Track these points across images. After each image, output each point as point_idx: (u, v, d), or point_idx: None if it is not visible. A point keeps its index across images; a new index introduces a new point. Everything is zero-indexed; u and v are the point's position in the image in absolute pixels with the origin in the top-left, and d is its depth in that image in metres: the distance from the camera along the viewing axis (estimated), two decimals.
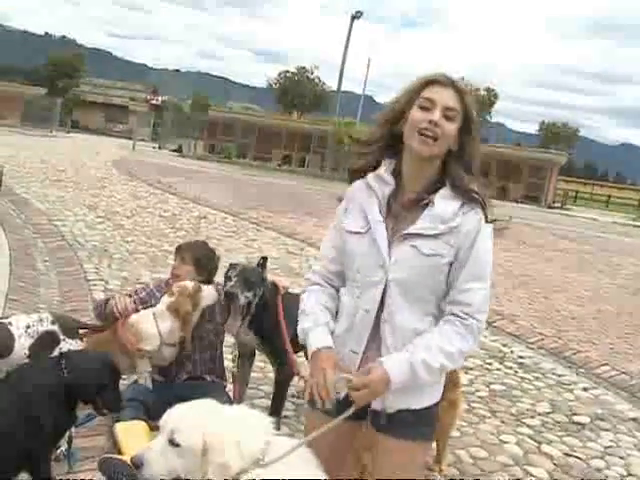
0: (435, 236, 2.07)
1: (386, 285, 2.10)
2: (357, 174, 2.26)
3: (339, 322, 2.22)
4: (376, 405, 2.14)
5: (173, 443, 2.00)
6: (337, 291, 2.29)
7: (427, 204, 2.10)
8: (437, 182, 2.14)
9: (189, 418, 2.04)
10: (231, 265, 3.74)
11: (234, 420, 2.09)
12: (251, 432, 2.04)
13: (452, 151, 2.13)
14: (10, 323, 3.11)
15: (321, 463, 2.05)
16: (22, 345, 3.06)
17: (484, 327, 2.12)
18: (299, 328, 2.25)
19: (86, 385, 2.72)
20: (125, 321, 3.54)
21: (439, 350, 2.04)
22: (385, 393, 2.05)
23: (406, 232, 2.09)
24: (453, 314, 2.09)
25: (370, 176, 2.21)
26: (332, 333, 2.19)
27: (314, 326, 2.19)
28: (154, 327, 3.52)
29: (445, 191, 2.11)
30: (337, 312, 2.26)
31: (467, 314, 2.07)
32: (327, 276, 2.30)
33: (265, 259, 3.79)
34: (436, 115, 2.06)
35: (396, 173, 2.18)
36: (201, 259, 3.77)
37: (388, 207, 2.17)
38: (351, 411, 2.03)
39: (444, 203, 2.09)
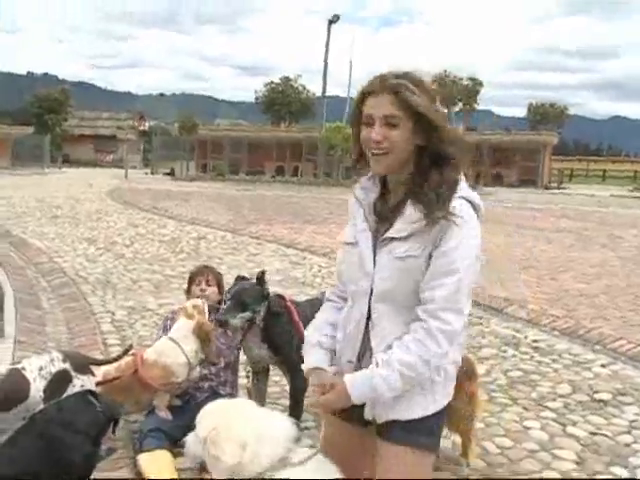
0: (406, 238, 2.05)
1: (371, 294, 2.11)
2: None
3: (338, 334, 2.27)
4: (366, 414, 2.16)
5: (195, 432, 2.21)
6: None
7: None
8: (419, 181, 2.08)
9: (212, 412, 2.22)
10: (229, 289, 3.73)
11: (256, 423, 2.13)
12: (269, 438, 2.08)
13: (422, 146, 2.06)
14: (23, 368, 3.09)
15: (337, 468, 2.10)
16: (37, 388, 3.03)
17: (458, 326, 2.05)
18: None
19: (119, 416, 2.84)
20: (142, 359, 3.46)
21: (398, 362, 2.02)
22: (348, 405, 2.10)
23: (383, 237, 2.09)
24: (416, 319, 2.05)
25: (356, 187, 2.24)
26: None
27: (308, 347, 2.31)
28: (181, 356, 3.46)
29: (416, 195, 2.06)
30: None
31: (428, 313, 2.02)
32: (338, 291, 2.37)
33: (263, 273, 3.76)
34: (376, 131, 2.02)
35: (384, 178, 2.18)
36: (220, 279, 4.08)
37: (377, 213, 2.17)
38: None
39: (413, 206, 2.05)
